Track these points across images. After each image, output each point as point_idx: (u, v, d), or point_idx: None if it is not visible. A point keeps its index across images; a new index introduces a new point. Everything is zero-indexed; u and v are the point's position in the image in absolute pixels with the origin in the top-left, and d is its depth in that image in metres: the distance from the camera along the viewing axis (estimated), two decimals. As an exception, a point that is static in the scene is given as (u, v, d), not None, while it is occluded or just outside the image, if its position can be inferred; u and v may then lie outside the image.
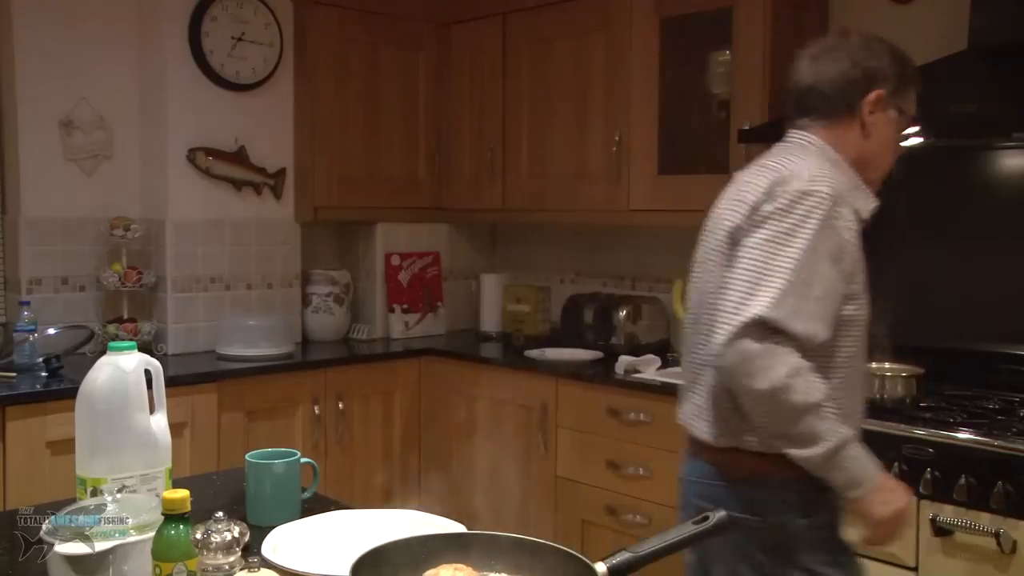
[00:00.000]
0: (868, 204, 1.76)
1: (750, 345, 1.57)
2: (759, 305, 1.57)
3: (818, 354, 1.63)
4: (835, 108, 1.77)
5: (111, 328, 3.29)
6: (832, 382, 1.66)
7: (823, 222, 1.61)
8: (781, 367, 1.57)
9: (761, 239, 1.63)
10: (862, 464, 1.64)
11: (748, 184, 1.74)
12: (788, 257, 1.60)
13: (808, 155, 1.75)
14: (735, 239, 1.70)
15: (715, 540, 1.59)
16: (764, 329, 1.57)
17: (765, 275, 1.60)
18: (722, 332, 1.61)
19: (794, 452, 1.62)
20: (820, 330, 1.60)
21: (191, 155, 3.44)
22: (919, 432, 2.28)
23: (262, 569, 1.18)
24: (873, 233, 1.78)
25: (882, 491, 1.67)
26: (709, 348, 1.67)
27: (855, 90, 1.75)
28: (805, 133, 1.80)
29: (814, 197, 1.63)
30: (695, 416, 1.80)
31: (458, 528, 1.48)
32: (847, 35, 1.83)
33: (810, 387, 1.59)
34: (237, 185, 3.56)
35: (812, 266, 1.60)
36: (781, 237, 1.62)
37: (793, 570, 1.70)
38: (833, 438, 1.60)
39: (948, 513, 2.21)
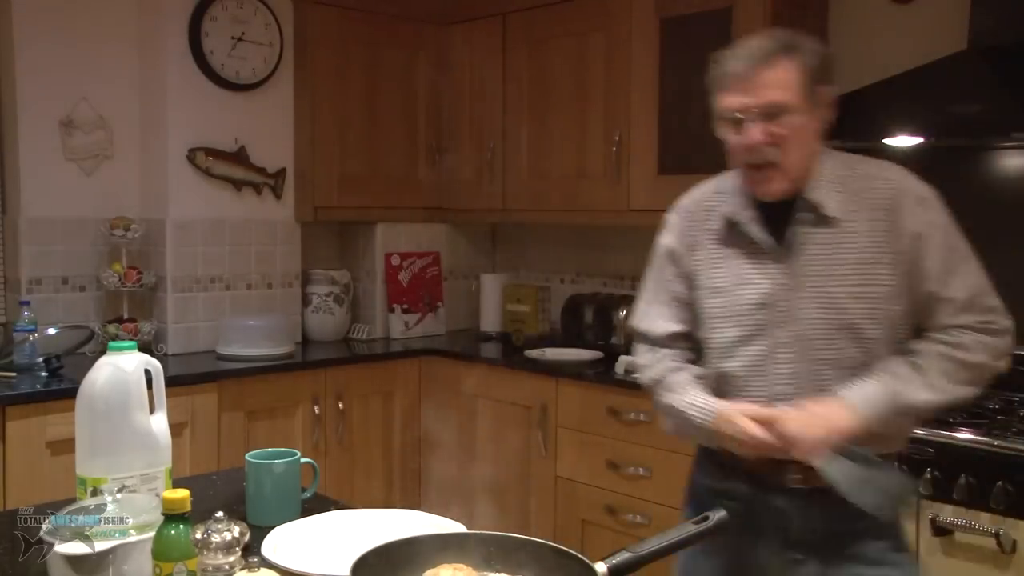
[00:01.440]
0: (734, 208, 1.81)
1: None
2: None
3: (703, 346, 1.81)
4: None
5: (111, 328, 3.29)
6: (709, 367, 1.78)
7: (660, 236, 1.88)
8: (637, 356, 1.90)
9: None
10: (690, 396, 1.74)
11: None
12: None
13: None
14: None
15: None
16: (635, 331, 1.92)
17: None
18: None
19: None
20: (657, 325, 1.84)
21: (191, 155, 3.44)
22: (919, 432, 2.27)
23: (262, 569, 1.18)
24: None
25: (721, 418, 1.67)
26: None
27: None
28: None
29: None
30: None
31: (458, 528, 1.48)
32: None
33: (644, 370, 1.86)
34: (237, 185, 3.56)
35: (650, 274, 1.91)
36: None
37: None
38: (650, 375, 1.82)
39: (948, 513, 2.21)
